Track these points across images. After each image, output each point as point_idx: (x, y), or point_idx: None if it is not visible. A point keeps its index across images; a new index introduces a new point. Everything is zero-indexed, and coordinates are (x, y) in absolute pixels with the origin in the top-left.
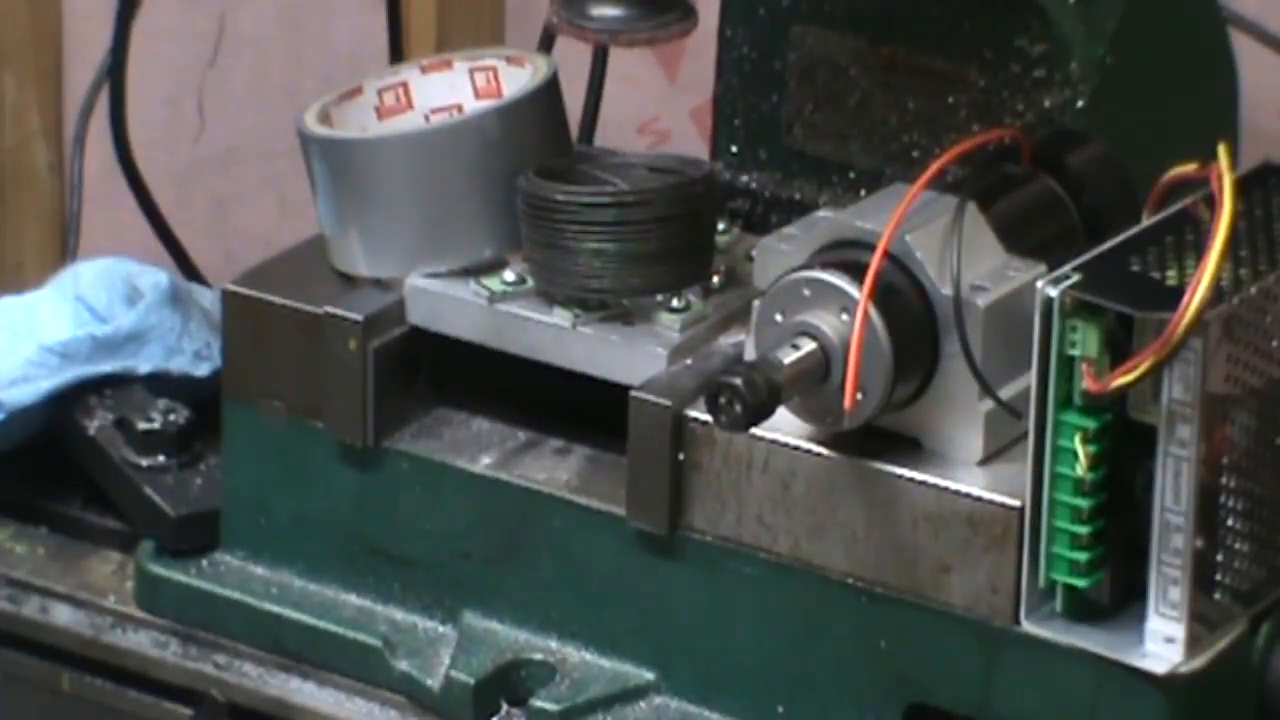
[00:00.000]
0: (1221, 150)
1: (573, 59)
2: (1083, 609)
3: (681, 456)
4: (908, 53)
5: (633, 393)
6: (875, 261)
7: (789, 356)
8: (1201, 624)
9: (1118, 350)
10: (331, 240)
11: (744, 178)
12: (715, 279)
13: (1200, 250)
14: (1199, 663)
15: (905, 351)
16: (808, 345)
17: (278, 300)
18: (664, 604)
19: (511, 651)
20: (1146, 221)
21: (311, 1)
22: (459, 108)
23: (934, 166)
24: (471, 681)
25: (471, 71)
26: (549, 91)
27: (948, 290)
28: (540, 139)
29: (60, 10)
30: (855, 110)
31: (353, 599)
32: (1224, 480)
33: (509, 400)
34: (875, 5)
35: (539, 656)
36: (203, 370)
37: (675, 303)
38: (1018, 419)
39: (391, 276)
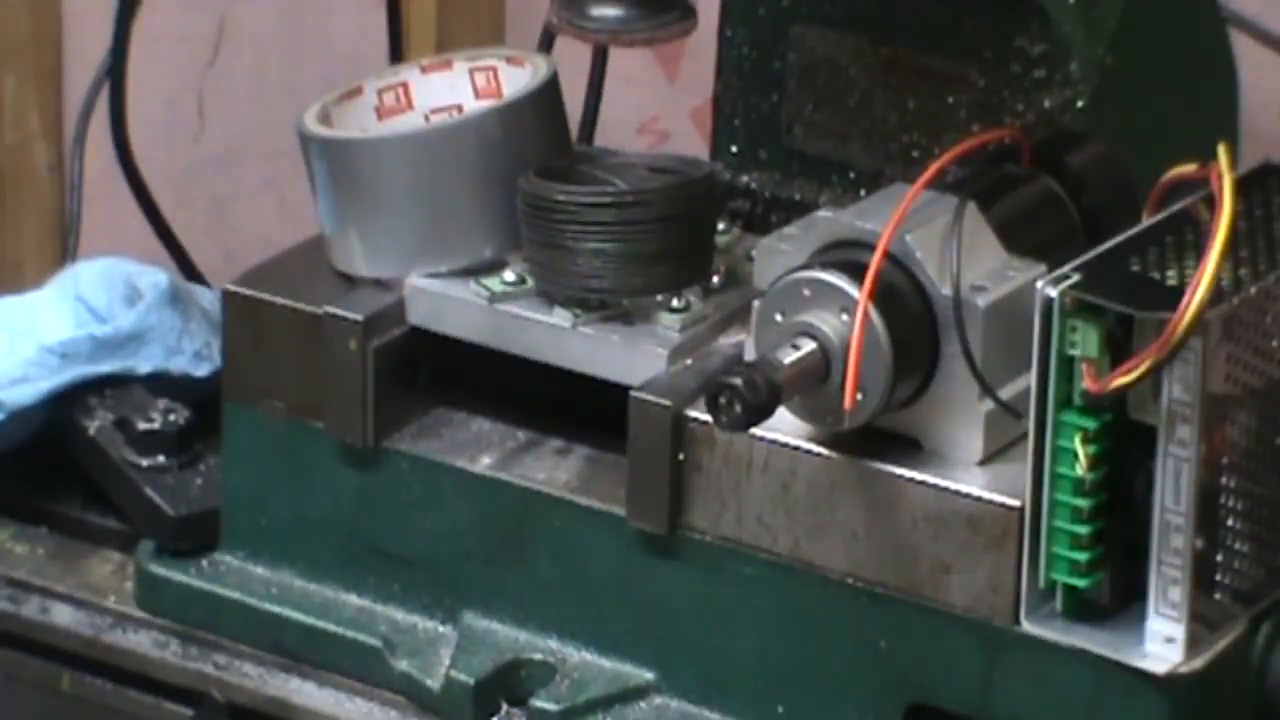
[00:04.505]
0: (1221, 150)
1: (573, 59)
2: (1083, 609)
3: (681, 456)
4: (908, 53)
5: (633, 393)
6: (875, 261)
7: (789, 356)
8: (1201, 624)
9: (1118, 350)
10: (331, 240)
11: (744, 178)
12: (715, 279)
13: (1200, 250)
14: (1199, 663)
15: (905, 351)
16: (808, 345)
17: (278, 300)
18: (664, 604)
19: (511, 651)
20: (1146, 221)
21: (311, 1)
22: (459, 108)
23: (934, 166)
24: (471, 681)
25: (471, 71)
26: (549, 91)
27: (948, 290)
28: (540, 139)
29: (60, 10)
30: (855, 110)
31: (353, 599)
32: (1224, 480)
33: (509, 400)
34: (875, 5)
35: (539, 656)
36: (203, 370)
37: (675, 303)
38: (1018, 419)
39: (391, 276)
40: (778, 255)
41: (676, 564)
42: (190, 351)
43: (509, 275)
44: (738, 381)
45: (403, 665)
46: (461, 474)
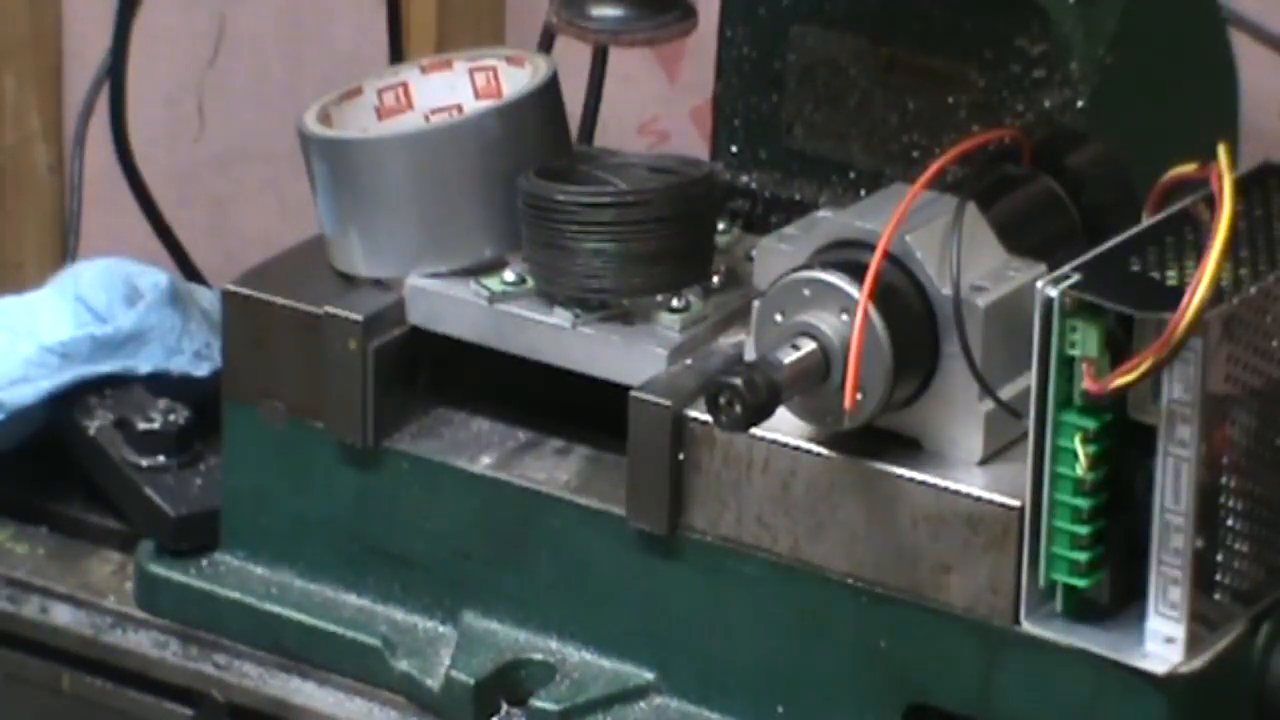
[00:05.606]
0: (1221, 150)
1: (573, 59)
2: (1083, 609)
3: (681, 456)
4: (908, 53)
5: (633, 393)
6: (875, 261)
7: (789, 356)
8: (1201, 624)
9: (1118, 350)
10: (331, 240)
11: (744, 178)
12: (715, 279)
13: (1200, 250)
14: (1199, 663)
15: (905, 351)
16: (808, 345)
17: (278, 300)
18: (664, 604)
19: (511, 651)
20: (1146, 221)
21: (311, 1)
22: (459, 108)
23: (934, 166)
24: (471, 681)
25: (471, 71)
26: (549, 91)
27: (948, 290)
28: (540, 139)
29: (60, 10)
30: (855, 110)
31: (353, 599)
32: (1224, 480)
33: (509, 400)
34: (875, 5)
35: (539, 656)
36: (203, 370)
37: (675, 303)
38: (1018, 419)
39: (391, 276)
40: (778, 255)
41: (676, 564)
42: (190, 351)
43: (509, 275)
44: (738, 381)
45: (403, 665)
46: (461, 474)
